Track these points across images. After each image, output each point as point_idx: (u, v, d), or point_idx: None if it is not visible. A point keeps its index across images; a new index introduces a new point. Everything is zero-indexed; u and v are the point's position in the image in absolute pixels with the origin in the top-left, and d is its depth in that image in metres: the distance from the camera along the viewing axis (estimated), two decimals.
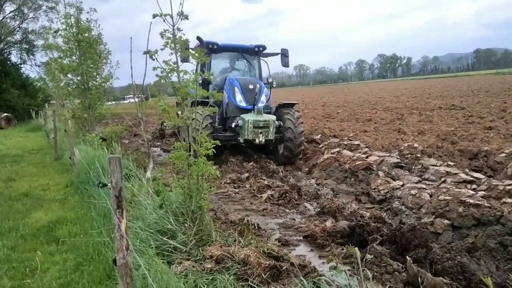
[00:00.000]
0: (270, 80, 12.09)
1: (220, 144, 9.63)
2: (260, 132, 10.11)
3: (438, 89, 43.98)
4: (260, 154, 11.72)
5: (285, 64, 12.11)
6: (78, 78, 12.93)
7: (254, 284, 3.62)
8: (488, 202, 5.72)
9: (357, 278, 3.04)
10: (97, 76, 13.67)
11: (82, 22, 13.03)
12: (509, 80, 50.00)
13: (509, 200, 5.88)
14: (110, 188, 3.07)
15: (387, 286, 3.45)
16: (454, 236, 5.24)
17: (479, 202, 5.48)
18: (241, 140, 10.37)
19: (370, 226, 5.05)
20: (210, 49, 11.30)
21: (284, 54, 12.10)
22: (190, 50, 4.32)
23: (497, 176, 7.67)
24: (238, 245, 4.34)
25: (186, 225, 4.30)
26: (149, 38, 4.92)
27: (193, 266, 3.91)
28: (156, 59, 4.25)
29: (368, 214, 5.81)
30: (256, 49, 12.08)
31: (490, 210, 5.38)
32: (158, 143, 16.81)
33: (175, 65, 4.36)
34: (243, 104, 10.83)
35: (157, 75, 4.50)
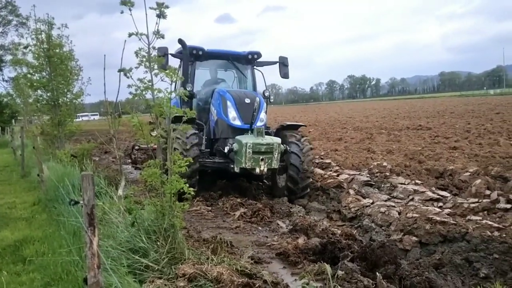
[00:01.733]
0: (266, 94, 9.75)
1: (208, 170, 8.56)
2: (262, 159, 7.81)
3: (406, 110, 45.26)
4: (251, 183, 10.01)
5: (284, 75, 10.07)
6: (48, 94, 12.71)
7: None
8: (453, 219, 5.92)
9: None
10: (68, 93, 13.48)
11: (53, 38, 12.89)
12: (472, 102, 51.97)
13: (473, 217, 6.09)
14: (81, 206, 3.05)
15: None
16: (422, 253, 5.39)
17: (445, 220, 5.68)
18: (236, 169, 8.12)
19: (341, 243, 5.13)
20: (194, 55, 9.38)
21: (283, 63, 10.07)
22: (165, 68, 4.32)
23: (462, 194, 7.94)
24: (211, 263, 4.33)
25: (158, 243, 4.26)
26: (123, 56, 4.95)
27: (165, 285, 3.87)
28: (131, 76, 4.26)
29: (339, 232, 5.91)
30: (250, 56, 9.90)
31: (456, 227, 5.57)
32: (130, 161, 16.60)
33: (150, 83, 4.39)
34: (237, 122, 8.65)
35: (130, 93, 4.52)
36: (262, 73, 10.13)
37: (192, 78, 9.39)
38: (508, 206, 6.51)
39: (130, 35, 4.22)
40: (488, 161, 10.73)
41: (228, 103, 8.71)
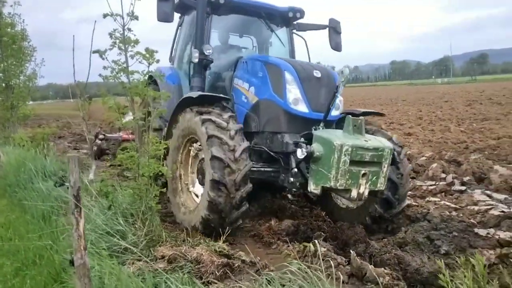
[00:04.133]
0: (346, 72, 6.02)
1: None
2: (363, 174, 4.54)
3: (361, 97, 46.49)
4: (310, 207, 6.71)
5: (336, 45, 7.03)
6: (0, 75, 12.16)
7: (209, 281, 3.69)
8: (415, 201, 6.26)
9: (310, 271, 3.24)
10: (21, 74, 12.93)
11: (4, 16, 12.27)
12: (422, 90, 54.13)
13: (432, 198, 6.48)
14: (68, 188, 3.02)
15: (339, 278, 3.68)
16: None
17: (407, 201, 5.99)
18: (313, 188, 4.75)
19: (313, 224, 5.32)
20: (212, 4, 6.30)
21: (335, 28, 6.97)
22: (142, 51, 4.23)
23: (419, 177, 8.36)
24: (187, 245, 4.40)
25: (136, 226, 4.27)
26: (93, 37, 4.86)
27: (146, 267, 3.91)
28: (106, 58, 4.19)
29: (308, 213, 6.09)
30: (291, 14, 6.93)
31: (417, 208, 5.90)
32: (86, 146, 16.15)
33: (125, 65, 4.34)
34: (302, 108, 5.34)
35: (100, 75, 4.45)
36: (305, 40, 7.13)
37: (207, 38, 6.34)
38: (463, 188, 6.96)
39: (105, 16, 4.15)
40: (441, 146, 11.33)
41: (287, 76, 5.36)
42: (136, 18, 4.41)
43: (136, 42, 4.36)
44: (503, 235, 4.78)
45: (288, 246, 4.63)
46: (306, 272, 3.05)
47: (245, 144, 4.87)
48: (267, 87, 5.54)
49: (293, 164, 4.94)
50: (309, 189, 4.81)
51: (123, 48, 4.24)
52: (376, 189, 4.70)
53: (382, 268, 3.80)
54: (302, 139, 5.01)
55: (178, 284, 3.47)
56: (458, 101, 30.54)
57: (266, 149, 5.41)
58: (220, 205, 4.68)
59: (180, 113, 5.49)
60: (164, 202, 6.37)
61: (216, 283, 3.50)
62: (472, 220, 5.48)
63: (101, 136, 12.25)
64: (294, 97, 5.31)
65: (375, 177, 4.62)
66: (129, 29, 4.38)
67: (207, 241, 4.61)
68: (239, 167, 4.68)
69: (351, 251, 4.06)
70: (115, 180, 5.36)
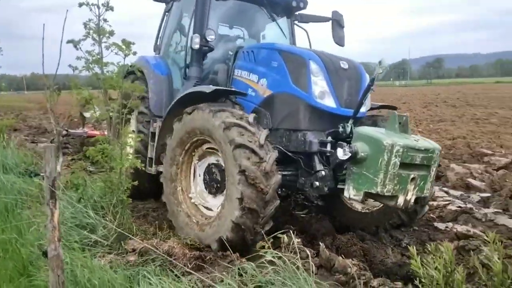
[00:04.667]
0: (382, 68, 5.21)
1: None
2: (412, 179, 4.02)
3: None
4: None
5: (340, 39, 6.46)
6: None
7: (180, 273, 3.72)
8: None
9: (283, 261, 3.34)
10: None
11: None
12: (381, 92, 55.57)
13: None
14: (43, 178, 2.99)
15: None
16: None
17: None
18: (353, 194, 4.14)
19: (281, 218, 5.43)
20: None
21: (339, 22, 6.44)
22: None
23: None
24: (158, 238, 4.41)
25: (106, 219, 4.24)
26: (64, 26, 4.76)
27: (116, 259, 3.90)
28: (80, 48, 4.14)
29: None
30: (295, 3, 6.42)
31: None
32: (44, 139, 15.63)
33: (99, 56, 4.29)
34: (329, 103, 4.77)
35: (70, 65, 4.38)
36: (307, 32, 6.66)
37: (207, 22, 5.57)
38: None
39: (80, 5, 4.09)
40: None
41: (313, 66, 4.73)
42: (111, 9, 4.37)
43: (111, 33, 4.33)
44: (460, 228, 5.08)
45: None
46: (282, 261, 3.15)
47: (275, 154, 4.22)
48: (285, 79, 4.85)
49: (318, 166, 4.45)
50: (346, 195, 4.16)
51: (97, 39, 4.19)
52: (422, 196, 4.22)
53: (349, 259, 3.94)
54: (330, 138, 4.58)
55: (152, 276, 3.49)
56: (416, 103, 31.64)
57: (282, 148, 4.66)
58: (247, 228, 4.11)
59: (179, 109, 4.88)
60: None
61: (190, 274, 3.53)
62: (431, 215, 5.76)
63: (64, 132, 11.00)
64: (321, 90, 4.70)
65: (422, 182, 4.08)
66: (105, 20, 4.34)
67: (178, 234, 4.64)
68: (270, 183, 4.08)
69: (320, 243, 4.19)
70: (85, 173, 5.27)
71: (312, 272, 3.52)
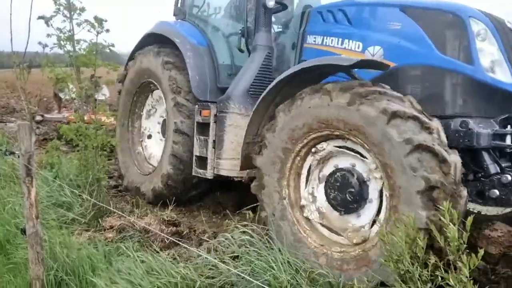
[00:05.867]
0: None
1: None
2: None
3: None
4: None
5: None
6: None
7: (159, 248, 3.81)
8: None
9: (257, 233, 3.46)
10: None
11: None
12: None
13: None
14: (18, 156, 3.00)
15: None
16: None
17: None
18: None
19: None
20: None
21: None
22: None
23: None
24: (135, 215, 4.48)
25: (83, 197, 4.27)
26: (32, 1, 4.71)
27: (94, 237, 3.96)
28: (51, 25, 4.08)
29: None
30: None
31: None
32: (13, 119, 15.23)
33: (70, 33, 4.24)
34: (505, 77, 3.40)
35: (39, 43, 4.34)
36: None
37: None
38: None
39: None
40: None
41: (476, 27, 3.42)
42: None
43: (82, 9, 4.27)
44: None
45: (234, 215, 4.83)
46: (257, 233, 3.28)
47: (459, 158, 2.93)
48: (424, 46, 3.49)
49: (493, 168, 3.16)
50: None
51: (68, 15, 4.13)
52: None
53: None
54: (510, 128, 3.38)
55: (130, 252, 3.57)
56: None
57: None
58: None
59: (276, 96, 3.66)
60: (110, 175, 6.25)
61: (168, 249, 3.64)
62: None
63: (38, 118, 9.78)
64: (491, 59, 3.39)
65: None
66: None
67: (155, 210, 4.70)
68: (461, 203, 2.79)
69: None
70: (60, 152, 5.24)
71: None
